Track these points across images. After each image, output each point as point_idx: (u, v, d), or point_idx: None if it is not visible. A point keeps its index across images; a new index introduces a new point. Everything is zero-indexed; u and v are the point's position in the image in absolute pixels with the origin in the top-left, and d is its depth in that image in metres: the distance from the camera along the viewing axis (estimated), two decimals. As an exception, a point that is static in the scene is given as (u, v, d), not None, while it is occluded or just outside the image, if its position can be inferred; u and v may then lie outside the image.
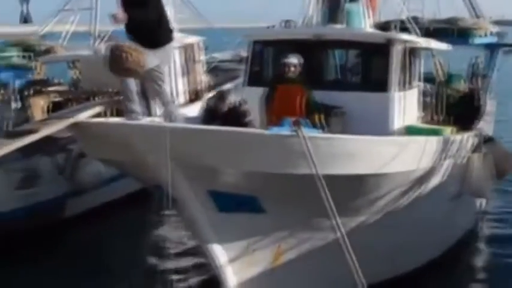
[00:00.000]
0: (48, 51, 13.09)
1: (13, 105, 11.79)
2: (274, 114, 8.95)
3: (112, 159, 7.97)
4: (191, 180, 7.37)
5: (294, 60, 9.10)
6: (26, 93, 12.29)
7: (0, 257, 10.25)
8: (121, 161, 7.74)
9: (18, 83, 11.42)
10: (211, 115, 8.82)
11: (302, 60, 9.20)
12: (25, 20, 17.94)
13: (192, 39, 15.72)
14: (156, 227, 11.88)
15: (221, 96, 8.96)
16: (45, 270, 10.17)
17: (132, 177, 8.94)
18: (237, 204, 7.77)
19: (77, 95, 13.55)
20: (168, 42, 8.37)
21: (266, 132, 7.33)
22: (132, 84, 8.21)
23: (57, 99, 13.37)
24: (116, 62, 7.77)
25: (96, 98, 13.14)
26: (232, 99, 8.93)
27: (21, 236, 10.42)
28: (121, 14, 7.94)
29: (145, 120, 8.11)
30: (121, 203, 12.44)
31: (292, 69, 9.10)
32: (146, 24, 8.09)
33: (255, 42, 10.79)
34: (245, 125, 8.58)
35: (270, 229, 8.09)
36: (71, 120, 8.10)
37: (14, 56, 11.64)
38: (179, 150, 6.97)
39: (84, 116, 8.28)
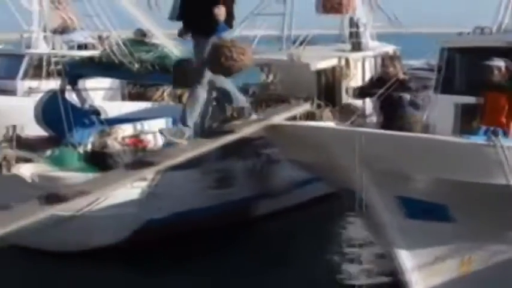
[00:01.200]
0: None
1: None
2: (483, 123, 8.54)
3: (304, 161, 8.20)
4: (381, 184, 7.42)
5: (500, 62, 8.58)
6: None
7: (196, 247, 10.88)
8: (313, 162, 7.94)
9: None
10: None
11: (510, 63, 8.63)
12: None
13: (388, 48, 15.65)
14: (343, 230, 11.99)
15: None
16: (232, 263, 10.59)
17: (321, 179, 9.11)
18: (426, 212, 7.73)
19: (269, 98, 13.96)
20: None
21: (462, 140, 7.24)
22: None
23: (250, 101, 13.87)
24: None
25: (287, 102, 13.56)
26: None
27: (213, 232, 10.95)
28: None
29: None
30: (308, 206, 12.63)
31: (496, 72, 8.55)
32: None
33: (449, 49, 10.62)
34: None
35: (459, 239, 7.94)
36: (267, 122, 8.46)
37: None
38: (370, 154, 7.04)
39: (279, 118, 8.56)
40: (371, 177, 7.36)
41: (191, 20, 8.57)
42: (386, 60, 9.94)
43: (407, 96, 9.14)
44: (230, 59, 7.83)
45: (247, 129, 8.54)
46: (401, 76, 9.30)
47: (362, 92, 10.35)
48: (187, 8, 8.58)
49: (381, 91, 8.92)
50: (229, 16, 8.36)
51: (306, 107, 9.25)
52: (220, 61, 7.88)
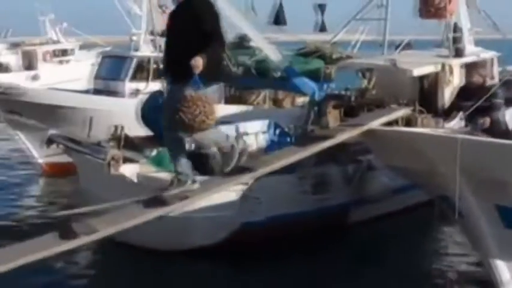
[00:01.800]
0: (340, 59, 13.59)
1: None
2: None
3: (402, 167, 8.18)
4: (479, 192, 7.36)
5: None
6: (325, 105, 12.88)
7: (290, 251, 11.08)
8: (411, 168, 7.93)
9: (320, 94, 12.05)
10: None
11: None
12: (321, 28, 18.73)
13: (487, 54, 15.34)
14: (439, 238, 11.92)
15: None
16: (325, 268, 10.79)
17: (418, 186, 9.05)
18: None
19: (368, 102, 13.93)
20: None
21: None
22: None
23: (350, 105, 13.88)
24: None
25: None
26: None
27: (307, 237, 11.10)
28: None
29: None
30: (404, 213, 12.58)
31: None
32: None
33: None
34: None
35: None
36: (365, 128, 8.51)
37: (320, 68, 12.25)
38: (469, 161, 6.97)
39: (376, 123, 8.55)
40: (469, 185, 7.31)
41: (170, 63, 7.73)
42: (471, 68, 9.80)
43: (498, 101, 9.01)
44: (192, 119, 7.16)
45: (345, 135, 8.59)
46: (488, 83, 9.16)
47: (449, 109, 10.31)
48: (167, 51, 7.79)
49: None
50: (218, 36, 7.37)
51: (403, 111, 9.17)
52: (183, 119, 7.19)
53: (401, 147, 7.71)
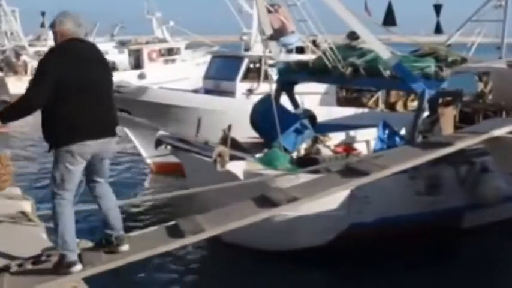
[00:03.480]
0: (455, 61, 13.13)
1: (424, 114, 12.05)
2: None
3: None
4: None
5: None
6: (437, 102, 12.47)
7: (399, 253, 10.75)
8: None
9: (430, 93, 11.64)
10: None
11: None
12: (438, 29, 18.30)
13: None
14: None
15: None
16: (432, 273, 10.44)
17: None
18: None
19: (485, 107, 13.45)
20: None
21: None
22: None
23: (465, 110, 13.43)
24: None
25: (504, 112, 12.94)
26: None
27: (419, 239, 10.71)
28: None
29: None
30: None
31: None
32: None
33: None
34: None
35: None
36: (485, 136, 8.22)
37: (431, 66, 11.85)
38: None
39: (499, 132, 8.17)
40: None
41: None
42: None
43: None
44: None
45: (465, 142, 8.27)
46: None
47: None
48: None
49: None
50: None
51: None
52: None
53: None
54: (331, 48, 12.57)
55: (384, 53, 11.79)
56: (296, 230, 10.66)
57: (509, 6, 15.17)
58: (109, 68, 6.34)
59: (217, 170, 10.46)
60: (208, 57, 23.17)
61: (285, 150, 11.58)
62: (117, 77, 20.15)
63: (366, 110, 17.72)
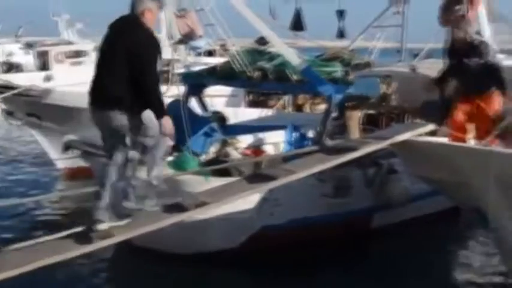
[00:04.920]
0: (359, 65, 13.46)
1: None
2: None
3: (433, 178, 8.06)
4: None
5: None
6: (344, 106, 12.75)
7: (308, 255, 10.96)
8: (442, 180, 7.80)
9: (337, 97, 11.91)
10: None
11: None
12: (341, 34, 18.67)
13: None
14: (462, 248, 11.77)
15: None
16: (344, 274, 10.62)
17: (448, 196, 8.90)
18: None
19: (389, 110, 13.82)
20: None
21: None
22: None
23: (370, 112, 13.78)
24: None
25: (406, 115, 13.34)
26: None
27: (328, 241, 10.93)
28: None
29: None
30: (426, 221, 12.39)
31: None
32: None
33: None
34: None
35: None
36: (388, 142, 8.50)
37: (338, 70, 12.12)
38: (503, 174, 6.86)
39: (401, 138, 8.42)
40: (502, 198, 7.21)
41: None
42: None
43: None
44: None
45: (370, 147, 8.51)
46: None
47: None
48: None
49: None
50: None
51: (431, 127, 9.01)
52: None
53: (433, 158, 7.59)
54: (238, 53, 12.66)
55: (292, 58, 11.95)
56: (207, 233, 10.70)
57: (406, 13, 15.81)
58: None
59: None
60: (117, 60, 22.87)
61: (195, 153, 11.61)
62: (22, 79, 19.71)
63: (273, 111, 17.96)
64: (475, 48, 9.38)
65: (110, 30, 7.32)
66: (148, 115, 7.16)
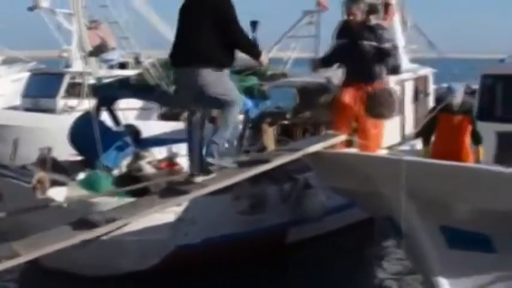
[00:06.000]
0: (274, 76, 13.46)
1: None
2: None
3: (345, 188, 8.07)
4: (424, 214, 7.29)
5: None
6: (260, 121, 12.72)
7: (226, 271, 10.77)
8: (354, 190, 7.82)
9: (254, 112, 11.87)
10: None
11: None
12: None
13: (424, 71, 15.47)
14: (378, 257, 11.81)
15: None
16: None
17: (361, 207, 8.94)
18: (468, 242, 7.57)
19: (304, 121, 13.83)
20: None
21: (506, 170, 7.03)
22: None
23: (284, 123, 13.78)
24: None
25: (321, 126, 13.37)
26: None
27: (245, 256, 10.74)
28: None
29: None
30: (342, 234, 12.42)
31: None
32: None
33: (485, 76, 10.50)
34: None
35: (501, 270, 7.77)
36: (300, 153, 8.46)
37: (254, 84, 12.05)
38: (413, 183, 6.91)
39: (313, 149, 8.41)
40: (414, 206, 7.28)
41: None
42: None
43: None
44: None
45: (282, 159, 8.52)
46: None
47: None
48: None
49: None
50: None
51: (342, 138, 9.06)
52: None
53: (344, 169, 7.61)
54: (154, 66, 12.37)
55: None
56: (119, 254, 10.29)
57: (320, 23, 15.97)
58: None
59: (37, 197, 10.04)
60: (25, 74, 22.42)
61: (107, 168, 11.29)
62: None
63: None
64: (371, 30, 9.63)
65: None
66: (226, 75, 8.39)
